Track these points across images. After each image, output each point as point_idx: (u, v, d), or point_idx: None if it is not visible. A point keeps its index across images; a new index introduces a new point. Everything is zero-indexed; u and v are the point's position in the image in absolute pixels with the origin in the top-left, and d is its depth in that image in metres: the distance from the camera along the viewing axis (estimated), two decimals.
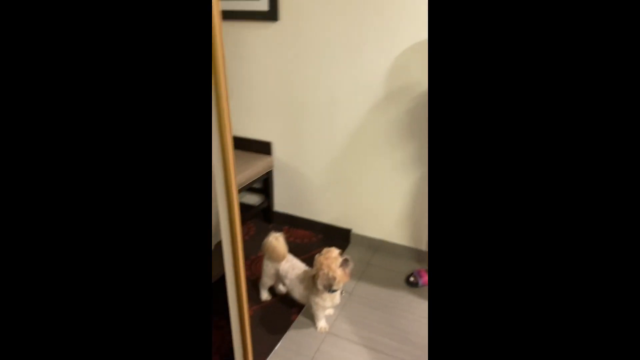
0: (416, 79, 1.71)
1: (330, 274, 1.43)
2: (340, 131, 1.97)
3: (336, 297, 1.52)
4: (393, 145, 1.87)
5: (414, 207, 1.92)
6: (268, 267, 1.64)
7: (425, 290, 1.81)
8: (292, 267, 1.60)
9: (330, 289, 1.46)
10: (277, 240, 1.59)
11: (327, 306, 1.54)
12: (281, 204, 2.30)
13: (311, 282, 1.51)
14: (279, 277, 1.65)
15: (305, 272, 1.58)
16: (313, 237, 2.19)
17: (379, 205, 2.01)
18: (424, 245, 1.97)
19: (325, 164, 2.07)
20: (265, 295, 1.75)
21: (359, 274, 1.91)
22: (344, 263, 1.45)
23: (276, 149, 2.17)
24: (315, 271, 1.48)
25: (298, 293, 1.58)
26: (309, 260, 1.65)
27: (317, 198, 2.17)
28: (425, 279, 1.84)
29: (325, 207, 2.17)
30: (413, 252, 2.00)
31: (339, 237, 2.16)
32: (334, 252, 1.48)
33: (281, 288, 1.77)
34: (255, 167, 2.05)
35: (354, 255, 2.03)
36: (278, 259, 1.60)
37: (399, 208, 1.96)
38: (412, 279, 1.84)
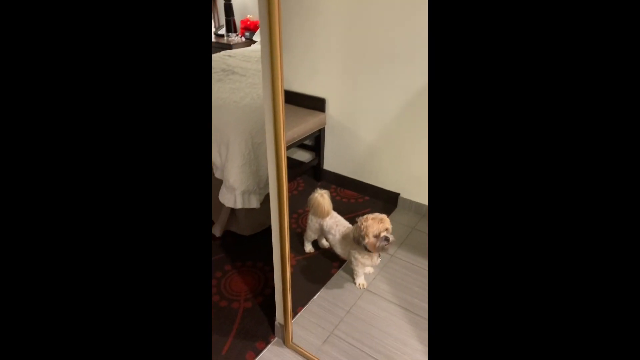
0: None
1: (363, 232, 1.45)
2: (397, 92, 1.90)
3: (375, 257, 1.54)
4: None
5: None
6: (312, 222, 1.69)
7: None
8: (335, 223, 1.64)
9: (361, 244, 1.48)
10: (322, 197, 1.62)
11: (366, 264, 1.57)
12: (331, 163, 2.32)
13: (352, 240, 1.54)
14: (322, 232, 1.70)
15: (348, 229, 1.61)
16: (360, 198, 2.20)
17: (426, 170, 1.95)
18: None
19: (379, 126, 2.03)
20: (308, 248, 1.82)
21: (403, 238, 1.90)
22: (383, 238, 1.45)
23: (330, 107, 2.16)
24: (357, 225, 1.50)
25: (340, 248, 1.63)
26: (353, 220, 1.67)
27: (367, 160, 2.15)
28: None
29: (375, 170, 2.15)
30: None
31: (387, 200, 2.15)
32: (385, 221, 1.47)
33: (324, 242, 1.83)
34: (307, 124, 2.06)
35: (400, 220, 2.02)
36: (322, 214, 1.64)
37: None
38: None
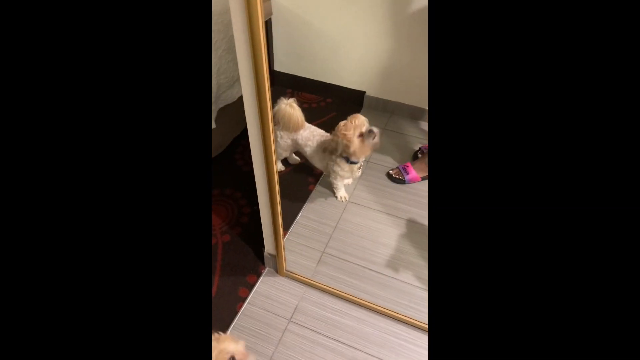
0: None
1: (343, 141, 1.31)
2: None
3: (355, 169, 1.43)
4: None
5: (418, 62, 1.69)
6: (283, 138, 1.49)
7: None
8: (312, 134, 1.46)
9: (345, 157, 1.36)
10: (292, 108, 1.40)
11: (345, 176, 1.46)
12: (283, 62, 2.01)
13: (330, 149, 1.39)
14: (296, 147, 1.52)
15: (326, 138, 1.44)
16: (322, 102, 2.00)
17: (393, 65, 1.77)
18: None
19: (338, 14, 1.73)
20: (279, 166, 1.64)
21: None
22: (368, 134, 1.31)
23: None
24: (333, 137, 1.35)
25: (319, 161, 1.48)
26: (322, 127, 1.49)
27: (326, 56, 1.89)
28: (412, 174, 1.59)
29: (336, 67, 1.91)
30: (422, 112, 1.86)
31: (351, 100, 1.97)
32: (359, 119, 1.32)
33: (294, 157, 1.66)
34: None
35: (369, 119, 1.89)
36: (296, 127, 1.43)
37: (411, 66, 1.73)
38: (393, 173, 1.61)
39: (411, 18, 1.61)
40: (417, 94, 1.83)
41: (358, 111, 1.94)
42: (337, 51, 1.85)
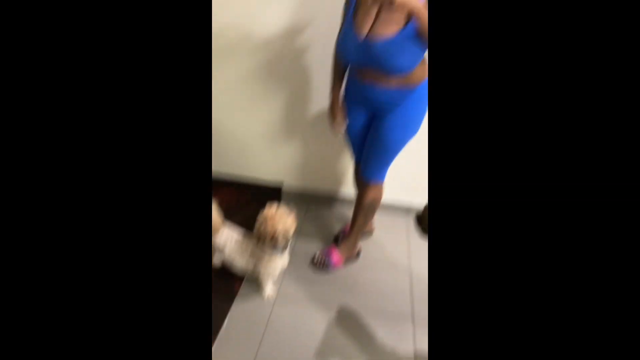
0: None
1: (270, 231, 1.32)
2: (259, 75, 1.75)
3: (285, 257, 1.44)
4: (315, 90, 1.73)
5: (335, 151, 1.86)
6: None
7: (363, 237, 1.82)
8: (229, 235, 1.45)
9: (277, 245, 1.36)
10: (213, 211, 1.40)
11: (276, 272, 1.45)
12: None
13: (255, 245, 1.39)
14: (214, 250, 1.49)
15: (245, 237, 1.44)
16: (241, 197, 2.03)
17: (308, 154, 1.91)
18: (348, 187, 1.95)
19: (246, 113, 1.86)
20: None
21: (297, 230, 1.84)
22: (285, 217, 1.36)
23: None
24: (259, 229, 1.35)
25: (241, 261, 1.45)
26: (241, 224, 1.51)
27: (241, 151, 1.98)
28: (336, 257, 1.62)
29: (251, 162, 2.00)
30: (338, 198, 1.99)
31: (270, 192, 2.04)
32: (275, 208, 1.36)
33: (214, 261, 1.61)
34: None
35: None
36: (215, 230, 1.42)
37: (323, 155, 1.89)
38: (317, 258, 1.64)
39: (319, 114, 1.79)
40: (332, 180, 1.97)
41: (278, 202, 2.00)
42: (252, 146, 1.95)
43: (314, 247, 1.74)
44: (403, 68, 1.20)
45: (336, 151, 1.87)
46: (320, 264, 1.64)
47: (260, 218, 1.36)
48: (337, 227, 1.86)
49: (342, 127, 1.47)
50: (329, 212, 1.98)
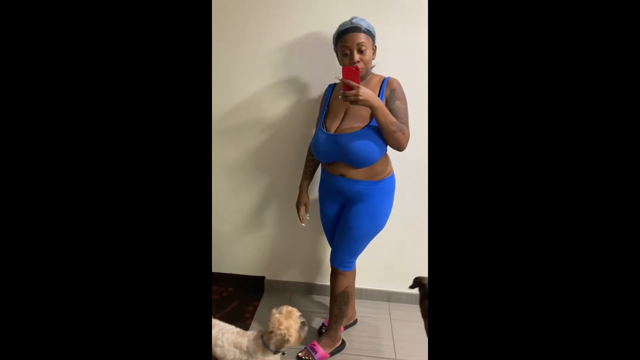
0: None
1: (287, 336, 1.31)
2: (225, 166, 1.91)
3: (277, 357, 1.43)
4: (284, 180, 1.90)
5: (314, 243, 1.97)
6: None
7: (349, 332, 1.84)
8: (221, 332, 1.44)
9: (283, 345, 1.35)
10: None
11: None
12: None
13: (254, 343, 1.38)
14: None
15: (239, 334, 1.44)
16: (224, 292, 2.04)
17: (287, 247, 2.00)
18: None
19: (226, 208, 1.98)
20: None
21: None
22: (302, 326, 1.37)
23: None
24: (270, 330, 1.34)
25: (234, 359, 1.42)
26: (224, 319, 1.52)
27: (221, 248, 2.04)
28: (320, 352, 1.63)
29: (232, 257, 2.05)
30: (320, 288, 2.03)
31: (252, 286, 2.06)
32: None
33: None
34: None
35: (271, 303, 1.96)
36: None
37: (303, 247, 1.99)
38: (302, 355, 1.63)
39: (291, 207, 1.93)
40: (311, 271, 2.03)
41: (260, 297, 2.01)
42: (232, 242, 2.02)
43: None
44: (367, 159, 1.37)
45: (314, 242, 1.97)
46: None
47: (274, 316, 1.36)
48: (321, 317, 1.88)
49: (305, 217, 1.61)
50: (310, 303, 2.00)
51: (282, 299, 2.00)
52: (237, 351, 1.42)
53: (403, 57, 1.64)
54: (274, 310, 1.38)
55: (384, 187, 1.45)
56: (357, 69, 1.27)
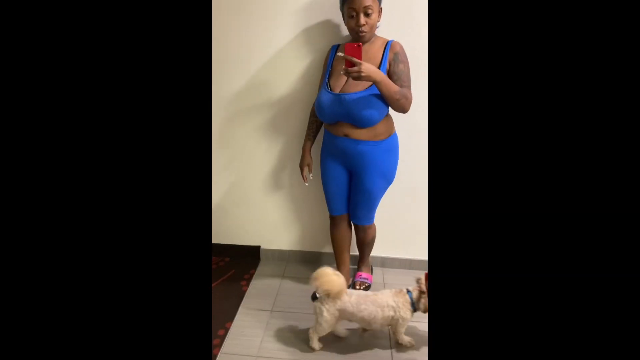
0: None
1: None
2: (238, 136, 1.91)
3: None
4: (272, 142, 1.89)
5: (311, 211, 1.98)
6: (329, 311, 1.40)
7: None
8: (359, 297, 1.44)
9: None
10: (336, 275, 1.40)
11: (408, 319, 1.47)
12: None
13: (402, 298, 1.44)
14: (345, 316, 1.45)
15: (381, 296, 1.45)
16: (220, 262, 2.07)
17: (284, 217, 2.01)
18: (327, 247, 2.02)
19: (221, 177, 1.99)
20: (318, 345, 1.49)
21: (276, 290, 1.87)
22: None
23: None
24: (422, 290, 1.43)
25: (381, 320, 1.43)
26: (221, 287, 1.54)
27: (216, 218, 2.06)
28: (369, 277, 1.85)
29: (228, 227, 2.07)
30: (315, 255, 2.05)
31: (248, 255, 2.09)
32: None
33: (340, 329, 1.53)
34: None
35: (267, 272, 1.99)
36: (340, 295, 1.41)
37: (299, 216, 2.00)
38: (359, 287, 1.81)
39: (292, 177, 1.94)
40: (309, 240, 2.05)
41: (256, 265, 2.04)
42: (227, 212, 2.04)
43: (295, 303, 1.76)
44: (370, 119, 1.43)
45: (311, 210, 1.98)
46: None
47: (420, 281, 1.45)
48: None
49: (308, 177, 1.70)
50: (307, 269, 2.03)
51: (279, 267, 2.03)
52: (385, 309, 1.43)
53: (404, 19, 1.61)
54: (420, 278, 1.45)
55: (388, 146, 1.52)
56: (359, 45, 1.28)
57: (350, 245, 1.80)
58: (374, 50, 1.45)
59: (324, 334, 1.46)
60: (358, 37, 1.42)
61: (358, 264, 1.93)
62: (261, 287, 1.87)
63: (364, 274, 1.88)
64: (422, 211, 1.88)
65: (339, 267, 1.80)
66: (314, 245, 2.06)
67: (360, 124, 1.43)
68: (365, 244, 1.79)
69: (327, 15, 1.64)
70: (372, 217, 1.69)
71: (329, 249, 2.01)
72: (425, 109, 1.71)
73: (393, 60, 1.43)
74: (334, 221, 1.73)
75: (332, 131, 1.54)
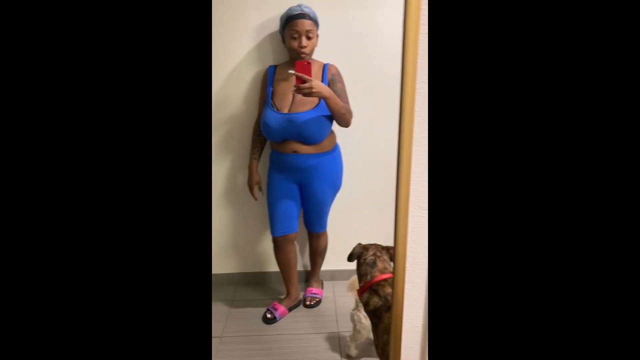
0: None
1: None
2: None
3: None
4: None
5: (256, 232, 1.97)
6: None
7: (294, 314, 1.85)
8: (355, 315, 1.47)
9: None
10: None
11: None
12: None
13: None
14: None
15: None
16: None
17: (229, 238, 1.98)
18: (270, 267, 2.01)
19: None
20: (355, 352, 1.53)
21: (226, 314, 1.82)
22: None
23: None
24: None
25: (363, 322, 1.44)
26: None
27: None
28: (280, 310, 1.76)
29: None
30: (264, 276, 2.04)
31: None
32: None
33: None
34: None
35: (215, 297, 1.93)
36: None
37: (246, 237, 1.98)
38: (268, 315, 1.75)
39: (237, 197, 1.91)
40: (253, 260, 2.02)
41: None
42: None
43: (247, 326, 1.72)
44: (320, 136, 1.53)
45: (256, 231, 1.97)
46: (270, 319, 1.74)
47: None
48: (267, 303, 1.88)
49: (257, 193, 1.73)
50: (255, 292, 2.00)
51: (227, 291, 1.98)
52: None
53: (339, 43, 1.70)
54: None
55: (333, 157, 1.63)
56: (308, 63, 1.37)
57: (297, 264, 1.81)
58: (314, 72, 1.53)
59: (362, 340, 1.50)
60: (298, 58, 1.48)
61: (309, 279, 1.94)
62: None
63: (314, 289, 1.90)
64: (369, 219, 1.94)
65: (288, 288, 1.80)
66: (263, 266, 2.04)
67: (310, 141, 1.52)
68: (317, 253, 1.84)
69: (259, 38, 1.68)
70: (325, 224, 1.78)
71: (275, 267, 2.01)
72: (362, 118, 1.78)
73: (332, 81, 1.54)
74: (277, 244, 1.72)
75: (279, 149, 1.59)
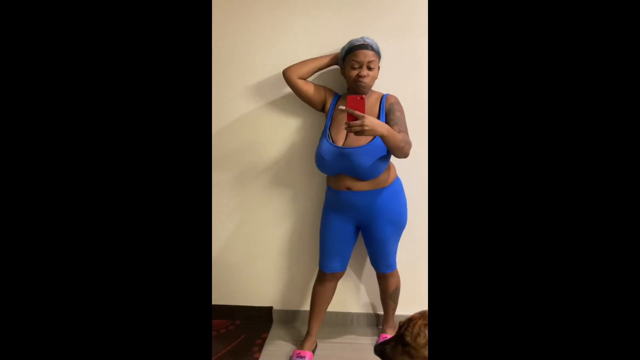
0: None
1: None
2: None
3: None
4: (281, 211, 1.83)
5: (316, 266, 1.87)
6: None
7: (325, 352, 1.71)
8: None
9: None
10: None
11: None
12: None
13: None
14: None
15: None
16: (230, 325, 1.93)
17: (294, 276, 1.90)
18: (350, 307, 1.90)
19: (231, 238, 1.91)
20: None
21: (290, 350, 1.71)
22: None
23: None
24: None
25: None
26: (231, 354, 1.40)
27: (227, 278, 1.95)
28: (308, 357, 1.65)
29: (239, 288, 1.96)
30: (336, 317, 1.91)
31: (260, 318, 1.95)
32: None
33: None
34: None
35: (281, 335, 1.84)
36: None
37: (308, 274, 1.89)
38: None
39: (300, 236, 1.86)
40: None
41: (268, 328, 1.90)
42: (239, 272, 1.94)
43: None
44: (375, 172, 1.39)
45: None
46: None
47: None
48: (344, 343, 1.75)
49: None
50: (325, 331, 1.88)
51: (293, 329, 1.88)
52: None
53: (399, 73, 1.63)
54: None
55: (392, 192, 1.48)
56: (362, 98, 1.24)
57: (328, 305, 1.70)
58: (370, 104, 1.47)
59: None
60: (357, 87, 1.43)
61: (382, 324, 1.79)
62: (275, 353, 1.72)
63: (388, 336, 1.74)
64: None
65: (311, 324, 1.68)
66: (332, 304, 1.92)
67: (364, 177, 1.41)
68: (388, 296, 1.69)
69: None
70: (393, 264, 1.62)
71: (350, 308, 1.89)
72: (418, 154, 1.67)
73: (389, 110, 1.44)
74: (321, 277, 1.64)
75: (333, 186, 1.51)
